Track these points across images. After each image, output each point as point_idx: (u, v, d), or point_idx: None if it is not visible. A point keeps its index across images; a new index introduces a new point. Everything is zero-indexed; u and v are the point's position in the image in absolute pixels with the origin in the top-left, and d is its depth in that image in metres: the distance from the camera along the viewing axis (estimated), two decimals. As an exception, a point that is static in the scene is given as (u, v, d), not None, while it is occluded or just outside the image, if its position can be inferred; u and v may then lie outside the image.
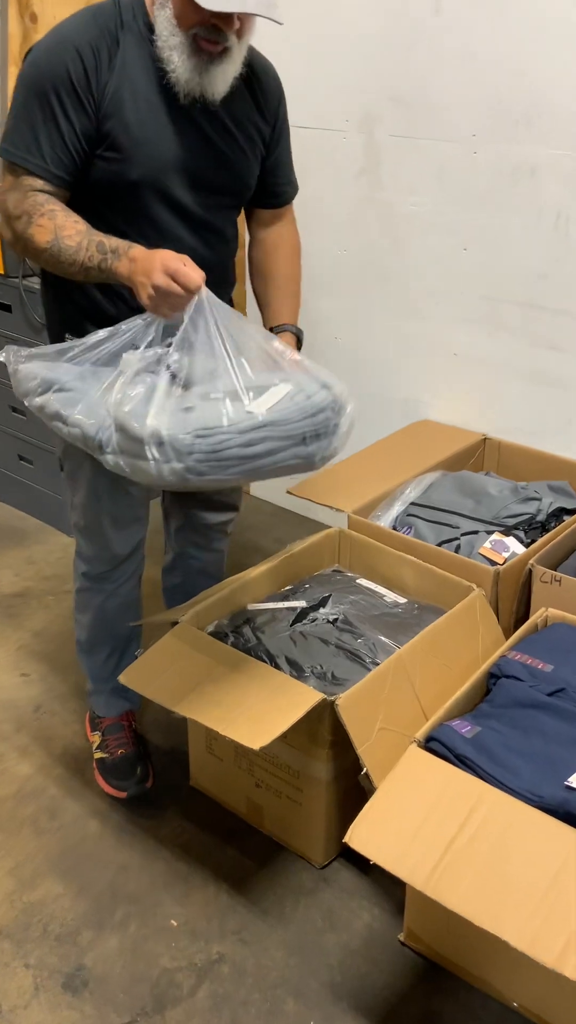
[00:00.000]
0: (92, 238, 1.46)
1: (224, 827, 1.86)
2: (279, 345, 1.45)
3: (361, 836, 1.35)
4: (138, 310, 1.48)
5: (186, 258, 1.38)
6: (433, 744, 1.46)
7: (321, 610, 1.92)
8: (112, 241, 1.46)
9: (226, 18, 1.42)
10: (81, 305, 1.65)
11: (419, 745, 1.47)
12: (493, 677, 1.62)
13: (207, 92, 1.50)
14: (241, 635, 1.83)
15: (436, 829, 1.33)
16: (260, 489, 3.07)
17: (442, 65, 2.21)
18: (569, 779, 1.35)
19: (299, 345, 1.76)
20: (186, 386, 1.38)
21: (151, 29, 1.48)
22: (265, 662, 1.75)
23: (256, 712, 1.55)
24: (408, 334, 2.50)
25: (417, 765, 1.43)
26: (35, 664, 2.32)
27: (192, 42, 1.45)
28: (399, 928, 1.65)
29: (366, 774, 1.53)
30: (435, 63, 2.22)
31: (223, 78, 1.50)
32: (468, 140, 2.22)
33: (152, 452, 1.29)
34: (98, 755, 1.97)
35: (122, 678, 1.65)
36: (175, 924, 1.68)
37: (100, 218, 1.54)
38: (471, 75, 2.17)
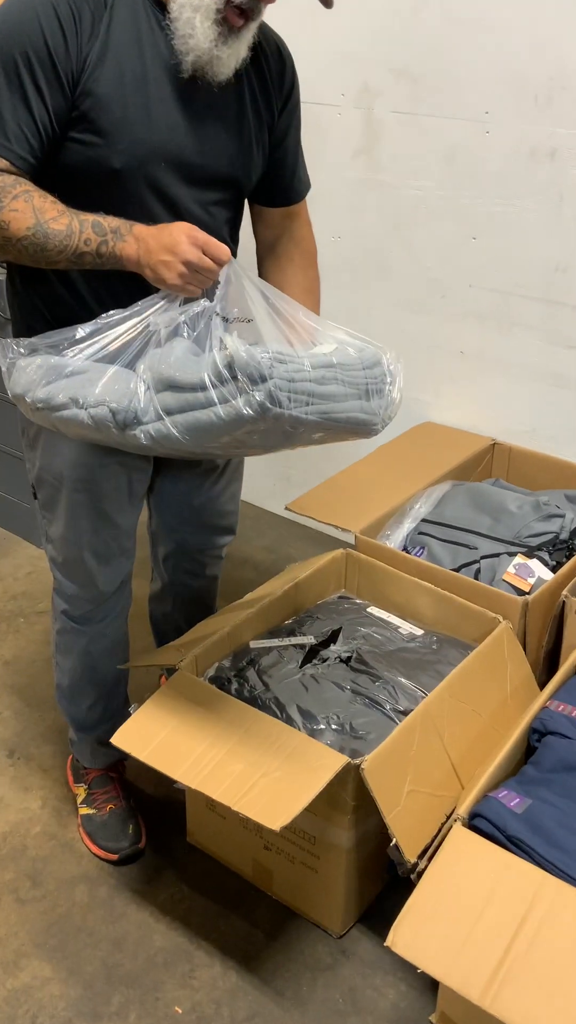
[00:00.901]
0: (83, 217, 1.25)
1: (228, 891, 1.68)
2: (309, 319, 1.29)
3: (405, 939, 1.17)
4: (120, 301, 1.28)
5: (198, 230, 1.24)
6: (479, 822, 1.28)
7: (332, 647, 1.74)
8: (109, 220, 1.26)
9: None
10: (56, 295, 1.41)
11: (463, 824, 1.29)
12: (536, 732, 1.45)
13: (217, 69, 1.28)
14: (246, 680, 1.63)
15: (491, 929, 1.16)
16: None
17: (452, 34, 1.99)
18: None
19: None
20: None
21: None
22: (275, 712, 1.56)
23: (272, 781, 1.36)
24: (410, 329, 2.30)
25: (464, 849, 1.26)
26: (7, 699, 2.11)
27: (222, 7, 1.23)
28: (430, 1007, 1.49)
29: (395, 845, 1.36)
30: (444, 31, 2.00)
31: (236, 56, 1.29)
32: (480, 118, 2.02)
33: (221, 391, 1.14)
34: (84, 811, 1.77)
35: (114, 740, 1.45)
36: (179, 1011, 1.49)
37: None
38: (484, 45, 1.96)
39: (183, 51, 1.27)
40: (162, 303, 1.30)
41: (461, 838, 1.27)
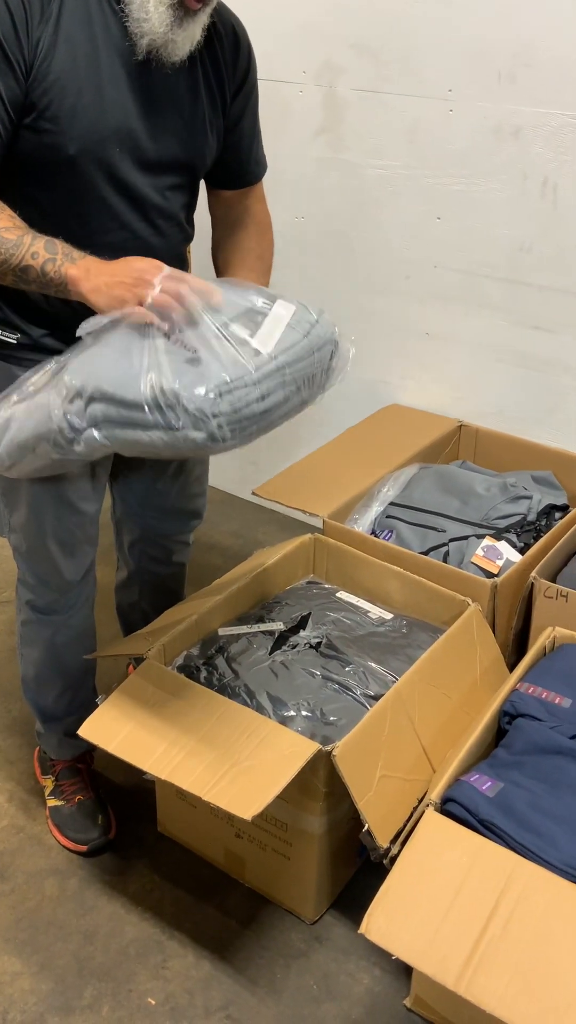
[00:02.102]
0: (37, 235, 1.20)
1: (200, 880, 1.66)
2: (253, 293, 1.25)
3: (379, 926, 1.16)
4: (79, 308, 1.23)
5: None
6: (452, 807, 1.27)
7: (301, 632, 1.72)
8: (65, 244, 1.21)
9: None
10: (8, 298, 1.38)
11: (436, 808, 1.28)
12: (507, 715, 1.44)
13: (173, 51, 1.25)
14: (215, 668, 1.61)
15: (465, 914, 1.16)
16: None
17: (414, 10, 1.96)
18: (612, 848, 1.18)
19: None
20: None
21: None
22: (245, 700, 1.54)
23: (243, 770, 1.35)
24: (375, 311, 2.28)
25: (437, 834, 1.25)
26: (-28, 691, 2.07)
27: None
28: (404, 991, 1.49)
29: (368, 831, 1.35)
30: (407, 7, 1.97)
31: (191, 38, 1.26)
32: (444, 96, 1.99)
33: (159, 418, 1.09)
34: (52, 802, 1.75)
35: (82, 732, 1.43)
36: (153, 1002, 1.48)
37: (31, 202, 1.28)
38: (448, 22, 1.93)
39: (137, 34, 1.23)
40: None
41: (433, 823, 1.26)
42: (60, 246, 1.21)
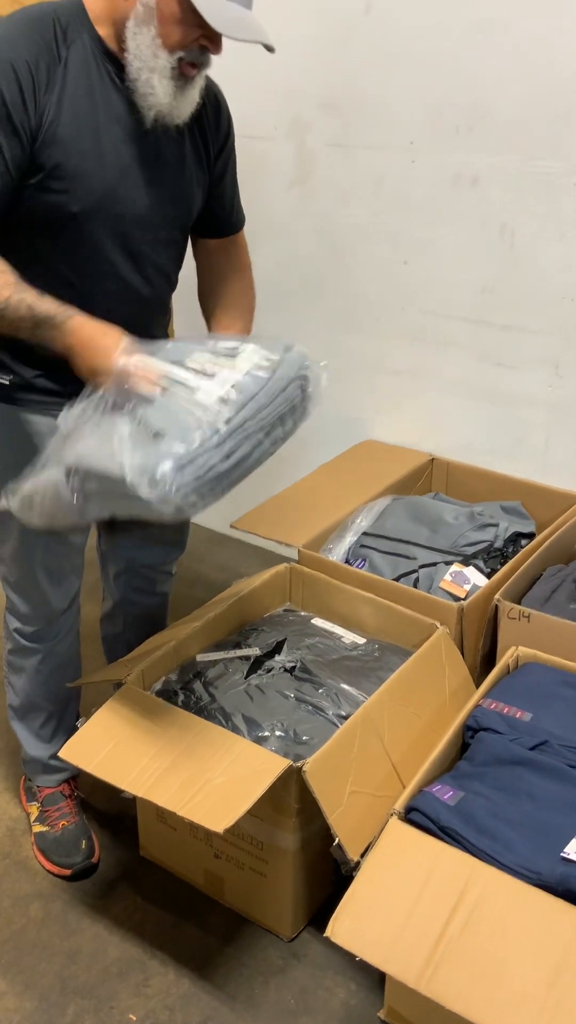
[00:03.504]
0: (23, 296, 1.30)
1: (180, 902, 1.71)
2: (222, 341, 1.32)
3: (345, 928, 1.22)
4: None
5: (139, 352, 1.28)
6: (415, 815, 1.33)
7: (276, 657, 1.78)
8: (45, 304, 1.30)
9: (216, 40, 1.29)
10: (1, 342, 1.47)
11: (400, 817, 1.34)
12: (470, 730, 1.50)
13: (176, 116, 1.36)
14: (192, 692, 1.67)
15: (426, 916, 1.21)
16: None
17: (374, 67, 2.09)
18: (565, 850, 1.24)
19: None
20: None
21: (100, 45, 1.33)
22: (221, 722, 1.60)
23: (217, 787, 1.40)
24: (349, 350, 2.38)
25: (400, 841, 1.31)
26: (-39, 723, 2.13)
27: (176, 65, 1.31)
28: (378, 1003, 1.53)
29: (338, 845, 1.40)
30: (367, 65, 2.10)
31: (192, 99, 1.37)
32: (406, 148, 2.11)
33: (134, 492, 1.18)
34: (37, 828, 1.80)
35: (62, 753, 1.49)
36: (134, 1019, 1.52)
37: (33, 254, 1.38)
38: (406, 78, 2.06)
39: (144, 107, 1.34)
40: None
41: (397, 831, 1.32)
42: (42, 308, 1.29)
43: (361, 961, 1.56)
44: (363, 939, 1.21)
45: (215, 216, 1.59)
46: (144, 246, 1.46)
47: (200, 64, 1.34)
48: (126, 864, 1.78)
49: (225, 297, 1.64)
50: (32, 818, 1.82)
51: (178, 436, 1.20)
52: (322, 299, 2.39)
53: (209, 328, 1.62)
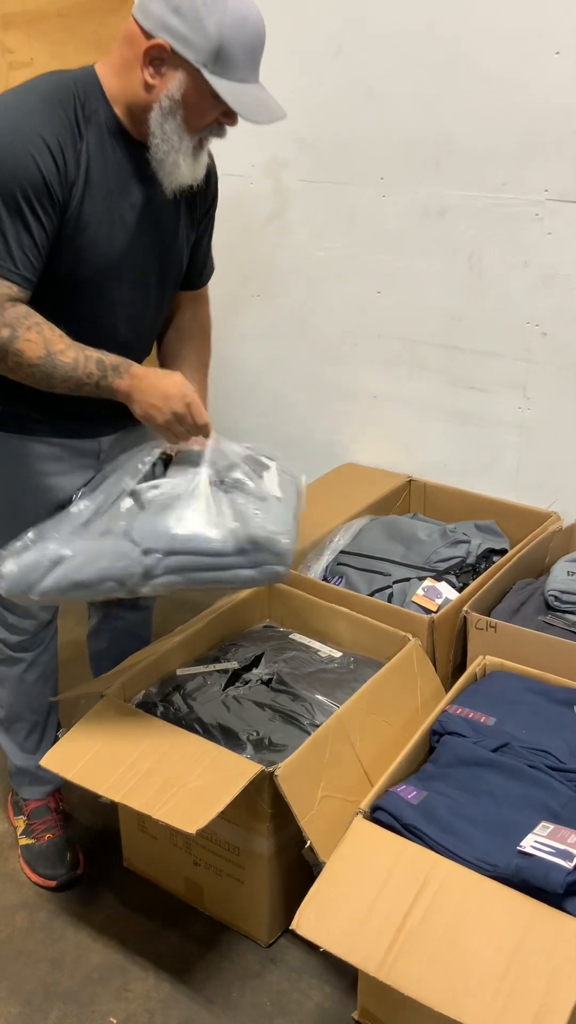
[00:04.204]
0: (87, 353, 1.41)
1: (162, 910, 1.75)
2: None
3: (309, 922, 1.27)
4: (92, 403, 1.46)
5: (192, 389, 1.46)
6: (379, 814, 1.39)
7: (254, 670, 1.85)
8: (110, 357, 1.42)
9: (234, 116, 1.39)
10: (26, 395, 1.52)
11: (365, 816, 1.40)
12: (436, 734, 1.56)
13: (192, 182, 1.46)
14: (171, 704, 1.73)
15: (388, 908, 1.26)
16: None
17: (345, 106, 2.19)
18: (521, 844, 1.29)
19: None
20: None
21: (115, 122, 1.41)
22: (198, 731, 1.66)
23: (191, 791, 1.46)
24: (327, 377, 2.46)
25: (364, 839, 1.36)
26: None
27: (198, 143, 1.42)
28: (352, 1005, 1.57)
29: (310, 847, 1.46)
30: (338, 104, 2.20)
31: (203, 164, 1.47)
32: (376, 183, 2.21)
33: (243, 560, 1.46)
34: (23, 841, 1.84)
35: (44, 762, 1.55)
36: (114, 1021, 1.56)
37: (42, 306, 1.45)
38: (376, 116, 2.16)
39: (169, 184, 1.44)
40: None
41: (362, 829, 1.37)
42: (107, 361, 1.42)
43: (335, 964, 1.62)
44: (327, 931, 1.26)
45: (189, 269, 1.67)
46: (141, 305, 1.55)
47: (219, 136, 1.45)
48: (110, 875, 1.83)
49: (187, 365, 1.70)
50: (19, 831, 1.87)
51: (276, 512, 1.49)
52: (301, 328, 2.47)
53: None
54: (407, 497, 2.40)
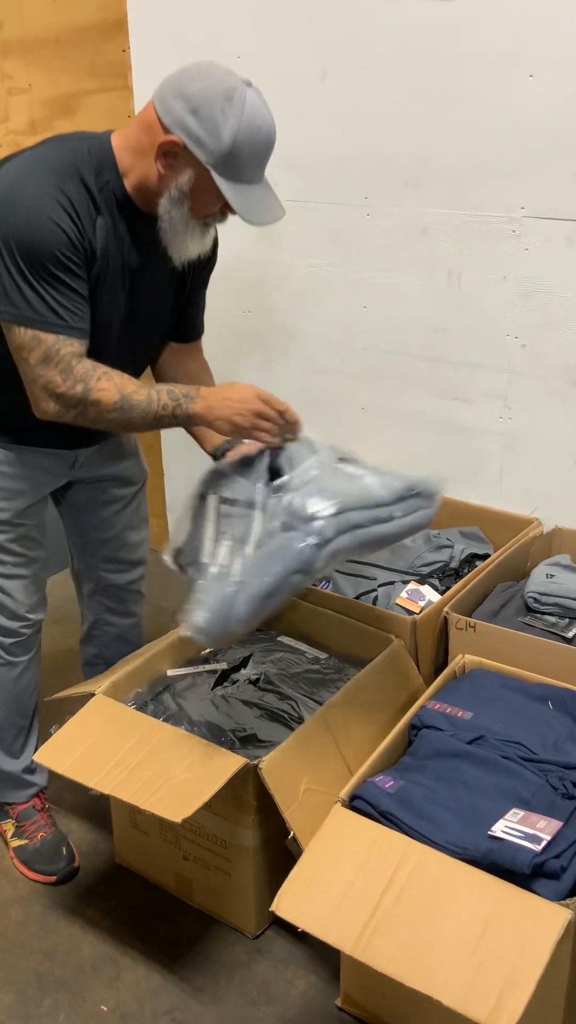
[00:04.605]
0: (157, 387, 1.51)
1: (153, 904, 1.80)
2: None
3: (288, 904, 1.32)
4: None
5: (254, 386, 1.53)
6: (357, 803, 1.44)
7: (242, 671, 1.91)
8: (179, 387, 1.52)
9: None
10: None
11: (343, 804, 1.45)
12: (415, 728, 1.61)
13: (202, 255, 1.58)
14: (161, 703, 1.79)
15: (363, 890, 1.31)
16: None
17: (330, 129, 2.28)
18: (492, 828, 1.34)
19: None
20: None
21: (124, 194, 1.49)
22: (188, 729, 1.72)
23: (178, 783, 1.52)
24: (316, 389, 2.54)
25: (342, 825, 1.41)
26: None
27: (203, 225, 1.52)
28: (336, 993, 1.62)
29: (293, 838, 1.51)
30: (324, 128, 2.29)
31: (211, 237, 1.60)
32: (361, 203, 2.29)
33: (404, 507, 1.55)
34: (15, 843, 1.90)
35: (37, 756, 1.61)
36: (105, 1009, 1.61)
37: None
38: (359, 139, 2.24)
39: (178, 258, 1.54)
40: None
41: (340, 817, 1.43)
42: (178, 390, 1.51)
43: (320, 955, 1.67)
44: (305, 913, 1.31)
45: (186, 320, 1.77)
46: (133, 358, 1.66)
47: (221, 223, 1.55)
48: (102, 872, 1.88)
49: (183, 363, 1.81)
50: (9, 835, 1.92)
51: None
52: (289, 342, 2.55)
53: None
54: (394, 506, 2.46)
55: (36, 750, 1.77)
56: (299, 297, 2.49)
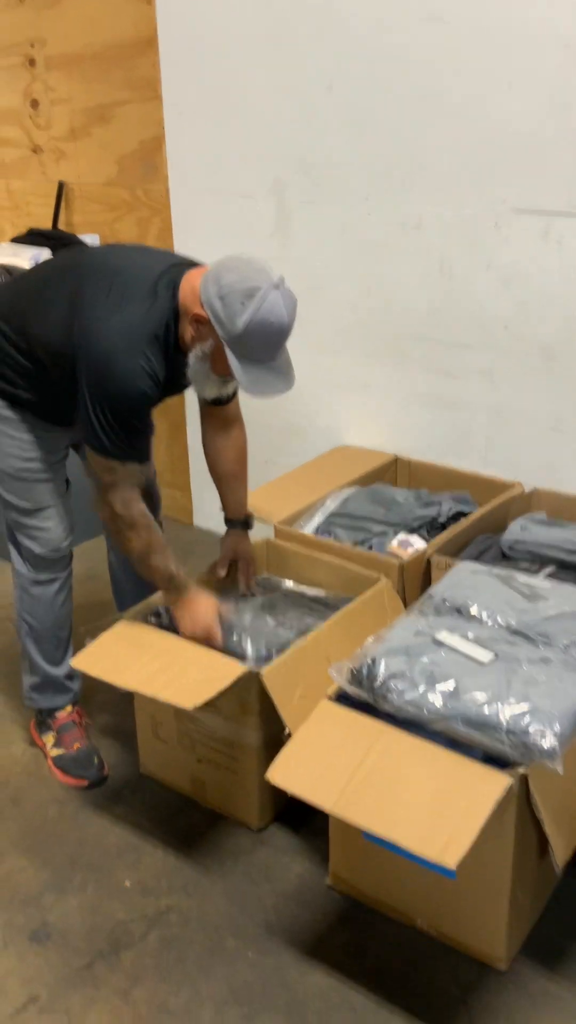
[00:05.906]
0: (169, 566, 1.91)
1: (171, 804, 2.08)
2: None
3: (279, 774, 1.59)
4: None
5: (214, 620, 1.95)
6: (340, 700, 1.70)
7: (252, 598, 2.18)
8: (179, 577, 1.93)
9: None
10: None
11: (329, 699, 1.72)
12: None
13: (221, 399, 2.02)
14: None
15: (342, 763, 1.57)
16: (205, 520, 3.33)
17: (336, 136, 2.55)
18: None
19: (249, 524, 2.23)
20: None
21: (176, 335, 1.80)
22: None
23: (192, 680, 1.79)
24: (324, 368, 2.81)
25: (327, 715, 1.68)
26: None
27: (222, 380, 1.86)
28: (326, 875, 1.87)
29: (289, 734, 1.77)
30: (330, 134, 2.56)
31: (234, 387, 1.96)
32: (362, 201, 2.56)
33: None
34: (55, 752, 2.18)
35: (74, 662, 1.90)
36: (128, 884, 1.88)
37: (54, 392, 1.90)
38: (361, 144, 2.52)
39: (200, 395, 1.99)
40: None
41: (326, 708, 1.70)
42: (177, 580, 1.93)
43: (314, 846, 1.93)
44: (294, 781, 1.58)
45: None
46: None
47: None
48: (128, 779, 2.16)
49: (225, 481, 2.19)
50: (49, 746, 2.20)
51: None
52: (301, 328, 2.79)
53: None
54: (394, 473, 2.73)
55: (71, 655, 2.06)
56: (309, 287, 2.75)
